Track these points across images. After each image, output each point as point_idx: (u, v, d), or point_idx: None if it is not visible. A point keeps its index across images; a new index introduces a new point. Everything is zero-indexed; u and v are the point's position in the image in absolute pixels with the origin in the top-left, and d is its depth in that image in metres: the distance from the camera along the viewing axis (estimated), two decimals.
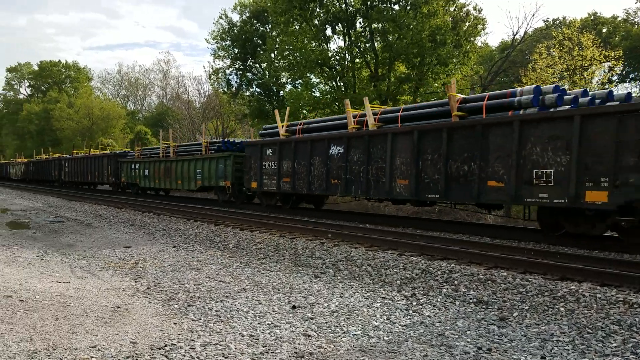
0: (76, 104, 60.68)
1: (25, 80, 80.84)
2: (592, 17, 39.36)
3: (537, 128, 10.53)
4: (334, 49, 27.66)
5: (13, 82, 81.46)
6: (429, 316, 6.40)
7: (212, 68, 37.31)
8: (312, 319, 6.11)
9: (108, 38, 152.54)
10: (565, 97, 11.05)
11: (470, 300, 7.06)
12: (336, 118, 17.27)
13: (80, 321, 5.40)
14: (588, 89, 12.84)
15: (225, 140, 24.37)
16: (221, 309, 6.42)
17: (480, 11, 24.59)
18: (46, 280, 7.61)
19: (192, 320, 5.88)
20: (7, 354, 4.27)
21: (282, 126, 18.29)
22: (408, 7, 23.56)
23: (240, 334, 5.41)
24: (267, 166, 18.10)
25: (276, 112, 19.89)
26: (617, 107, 9.70)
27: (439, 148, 12.45)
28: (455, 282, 7.79)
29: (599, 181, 9.52)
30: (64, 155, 44.07)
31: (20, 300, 5.97)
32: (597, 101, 10.90)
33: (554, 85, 11.73)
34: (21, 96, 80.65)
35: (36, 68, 77.62)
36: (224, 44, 36.01)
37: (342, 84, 26.82)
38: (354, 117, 15.66)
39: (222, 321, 5.87)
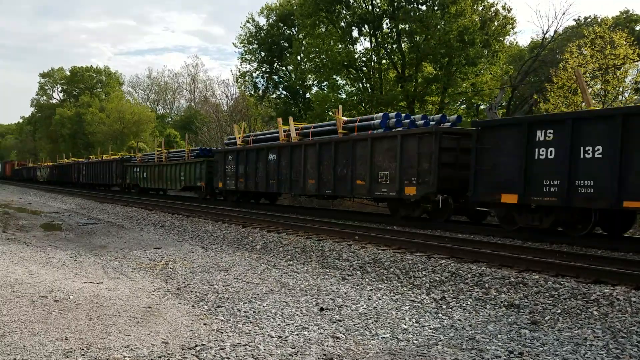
0: (108, 108, 61.93)
1: (58, 85, 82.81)
2: (625, 15, 38.35)
3: (381, 143, 14.99)
4: (360, 51, 27.68)
5: (46, 87, 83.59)
6: (459, 320, 6.32)
7: (239, 71, 37.76)
8: (340, 321, 6.10)
9: (138, 43, 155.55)
10: (403, 120, 15.16)
11: (502, 304, 6.95)
12: (274, 132, 20.96)
13: (113, 321, 5.51)
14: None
15: (202, 147, 28.63)
16: (250, 310, 6.46)
17: (509, 10, 24.21)
18: (80, 281, 7.79)
19: (222, 321, 5.93)
20: (44, 353, 4.38)
21: (239, 137, 22.44)
22: (435, 8, 23.37)
23: (269, 335, 5.44)
24: (229, 170, 22.29)
25: (235, 125, 23.29)
26: (418, 129, 14.13)
27: (330, 156, 16.68)
28: (486, 285, 7.68)
29: (411, 180, 13.95)
30: (82, 160, 47.91)
31: (55, 301, 6.11)
32: (421, 122, 14.93)
33: (396, 113, 15.82)
34: (54, 101, 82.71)
35: (68, 73, 79.53)
36: (251, 47, 36.34)
37: (368, 85, 26.75)
38: (284, 131, 19.43)
39: (250, 322, 5.91)
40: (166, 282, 8.19)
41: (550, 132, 10.77)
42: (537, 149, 10.94)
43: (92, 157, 47.79)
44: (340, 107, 18.67)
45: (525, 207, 11.58)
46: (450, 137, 13.59)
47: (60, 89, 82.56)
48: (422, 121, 14.94)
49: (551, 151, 10.74)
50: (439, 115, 16.10)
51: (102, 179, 39.17)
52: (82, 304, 6.09)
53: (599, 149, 9.99)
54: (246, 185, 21.20)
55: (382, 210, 18.22)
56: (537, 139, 10.94)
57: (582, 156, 10.21)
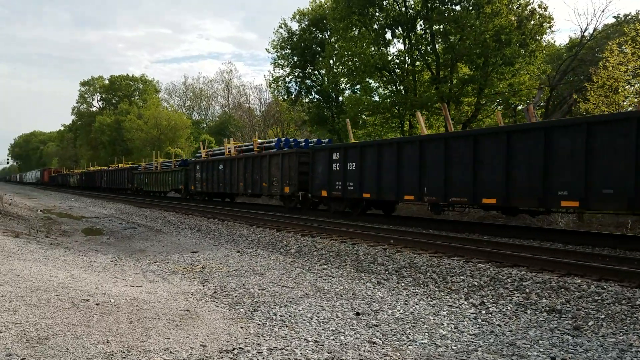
0: (145, 115, 63.31)
1: (98, 94, 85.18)
2: None
3: (273, 158, 21.90)
4: (393, 53, 27.45)
5: (86, 96, 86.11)
6: (499, 325, 6.18)
7: (272, 76, 37.98)
8: (376, 326, 6.04)
9: (174, 51, 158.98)
10: (291, 143, 22.53)
11: (543, 309, 6.77)
12: (221, 149, 29.32)
13: (153, 324, 5.60)
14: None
15: (183, 159, 36.01)
16: (285, 314, 6.47)
17: (545, 9, 23.61)
18: (120, 284, 7.95)
19: (258, 324, 5.96)
20: (86, 356, 4.47)
21: (204, 152, 30.89)
22: (470, 8, 23.02)
23: (305, 339, 5.43)
24: (197, 176, 29.68)
25: (200, 142, 33.11)
26: (289, 150, 21.25)
27: (250, 167, 23.79)
28: (527, 290, 7.49)
29: (287, 183, 20.81)
30: (104, 168, 56.29)
31: (96, 304, 6.25)
32: (302, 144, 22.27)
33: (285, 138, 23.39)
34: (94, 108, 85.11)
35: (107, 82, 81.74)
36: (283, 52, 36.54)
37: (402, 87, 26.54)
38: (228, 148, 27.44)
39: (286, 326, 5.91)
40: (203, 286, 8.29)
41: (336, 154, 18.16)
42: (333, 164, 18.39)
43: (111, 166, 55.77)
44: (257, 134, 31.24)
45: (330, 198, 18.91)
46: (305, 155, 20.19)
47: (99, 97, 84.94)
48: (303, 143, 22.25)
49: (337, 165, 18.12)
50: (304, 140, 23.58)
51: (119, 184, 47.23)
52: (122, 307, 6.21)
53: (353, 164, 17.47)
54: (207, 188, 28.57)
55: (276, 203, 26.33)
56: (333, 158, 18.36)
57: (348, 168, 17.65)
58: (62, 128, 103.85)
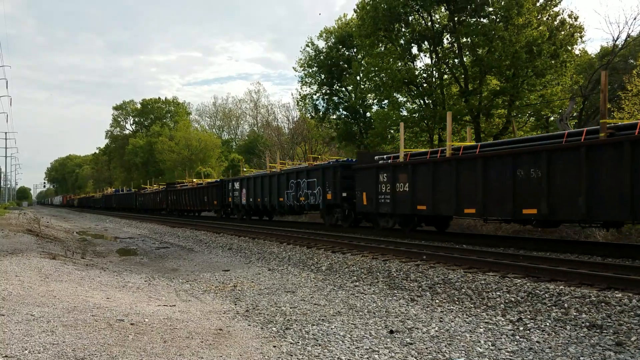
0: (176, 137, 64.56)
1: (130, 117, 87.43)
2: None
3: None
4: (420, 67, 27.37)
5: (119, 119, 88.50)
6: (537, 342, 5.98)
7: (300, 94, 38.25)
8: (411, 344, 5.91)
9: (204, 73, 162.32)
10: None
11: (583, 325, 6.53)
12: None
13: (186, 343, 5.61)
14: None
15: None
16: (318, 332, 6.40)
17: (576, 19, 23.21)
18: (154, 304, 8.02)
19: (291, 343, 5.90)
20: None
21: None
22: (498, 20, 22.82)
23: (338, 358, 5.35)
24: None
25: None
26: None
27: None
28: (565, 305, 7.25)
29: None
30: (117, 191, 65.64)
31: (131, 324, 6.31)
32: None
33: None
34: (127, 131, 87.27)
35: (139, 106, 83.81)
36: (310, 70, 36.81)
37: (430, 101, 26.38)
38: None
39: (319, 345, 5.84)
40: (235, 304, 8.29)
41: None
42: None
43: (120, 190, 66.71)
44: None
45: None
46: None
47: (132, 120, 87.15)
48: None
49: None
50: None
51: (126, 203, 57.64)
52: (156, 327, 6.24)
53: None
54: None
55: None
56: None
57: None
58: (96, 151, 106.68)
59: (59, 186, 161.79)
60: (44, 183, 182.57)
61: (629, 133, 10.53)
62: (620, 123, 11.65)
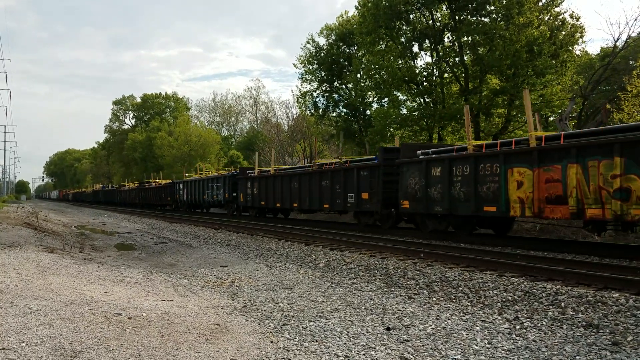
0: (175, 132, 64.44)
1: (130, 112, 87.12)
2: None
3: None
4: (421, 66, 27.36)
5: (119, 114, 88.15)
6: (534, 340, 6.00)
7: (300, 91, 38.21)
8: (407, 341, 5.93)
9: (205, 69, 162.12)
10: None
11: (579, 324, 6.55)
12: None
13: (184, 338, 5.62)
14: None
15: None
16: (315, 328, 6.42)
17: (577, 19, 23.22)
18: (151, 299, 8.03)
19: (288, 339, 5.92)
20: None
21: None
22: (499, 19, 22.81)
23: (335, 354, 5.37)
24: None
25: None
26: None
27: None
28: (562, 304, 7.27)
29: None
30: (103, 187, 73.82)
31: (128, 318, 6.32)
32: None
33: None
34: (126, 126, 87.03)
35: (139, 100, 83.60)
36: (311, 67, 36.78)
37: (430, 100, 26.38)
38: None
39: (316, 341, 5.86)
40: (233, 300, 8.30)
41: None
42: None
43: (105, 186, 74.71)
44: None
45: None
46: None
47: (131, 115, 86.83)
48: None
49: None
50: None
51: (110, 198, 64.57)
52: (154, 321, 6.25)
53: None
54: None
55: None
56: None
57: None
58: (95, 146, 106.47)
59: (57, 180, 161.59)
60: (43, 177, 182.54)
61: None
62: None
